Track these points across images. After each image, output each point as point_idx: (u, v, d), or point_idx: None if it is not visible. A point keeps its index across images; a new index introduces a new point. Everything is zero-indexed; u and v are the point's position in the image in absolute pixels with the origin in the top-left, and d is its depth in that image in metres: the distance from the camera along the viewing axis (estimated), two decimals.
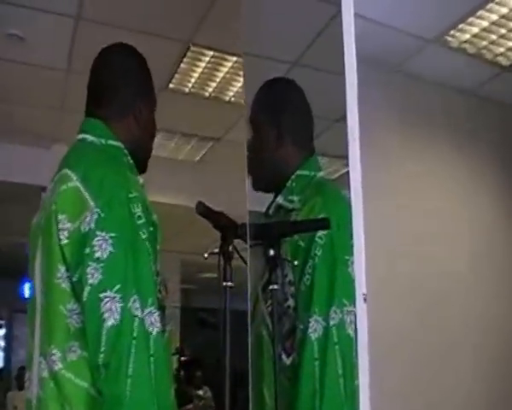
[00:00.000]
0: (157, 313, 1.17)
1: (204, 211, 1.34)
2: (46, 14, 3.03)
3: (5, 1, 2.93)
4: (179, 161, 4.86)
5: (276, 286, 1.28)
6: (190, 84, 3.72)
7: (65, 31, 3.14)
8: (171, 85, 3.69)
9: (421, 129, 2.91)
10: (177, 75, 3.59)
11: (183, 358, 5.34)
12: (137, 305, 1.14)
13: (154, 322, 1.16)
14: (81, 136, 1.35)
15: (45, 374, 1.19)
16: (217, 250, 1.31)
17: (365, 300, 0.98)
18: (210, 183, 4.53)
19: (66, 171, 1.25)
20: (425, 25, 2.84)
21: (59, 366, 1.17)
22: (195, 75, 3.61)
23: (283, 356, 1.36)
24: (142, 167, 1.42)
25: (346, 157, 1.18)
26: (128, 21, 3.04)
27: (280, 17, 2.69)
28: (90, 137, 1.34)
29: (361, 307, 0.99)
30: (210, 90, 3.78)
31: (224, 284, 1.29)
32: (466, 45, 2.79)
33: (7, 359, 8.85)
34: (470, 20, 2.64)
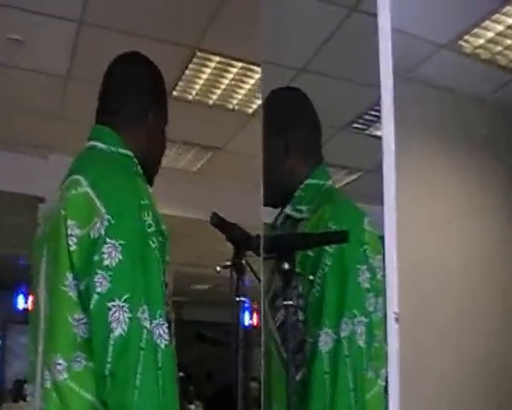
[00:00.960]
0: (165, 325, 1.15)
1: (218, 222, 1.31)
2: (48, 18, 2.99)
3: (5, 4, 2.86)
4: (177, 171, 4.80)
5: (290, 302, 1.23)
6: (194, 92, 3.68)
7: (67, 35, 3.09)
8: (174, 93, 3.64)
9: (433, 136, 2.84)
10: (181, 82, 3.54)
11: (181, 373, 5.25)
12: (146, 315, 1.12)
13: (162, 334, 1.14)
14: (91, 143, 1.33)
15: (48, 384, 1.16)
16: (229, 263, 1.28)
17: (397, 320, 0.94)
18: (207, 194, 4.47)
19: (76, 177, 1.23)
20: (438, 30, 2.79)
21: (64, 375, 1.14)
22: (200, 82, 3.56)
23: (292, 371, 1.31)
24: (148, 181, 1.40)
25: (380, 170, 1.17)
26: (132, 26, 2.99)
27: (293, 24, 2.64)
28: (99, 145, 1.32)
29: (392, 327, 0.95)
30: (214, 97, 3.73)
31: (237, 298, 1.26)
32: (480, 51, 2.74)
33: (0, 370, 8.73)
34: (485, 24, 2.59)
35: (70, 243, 1.15)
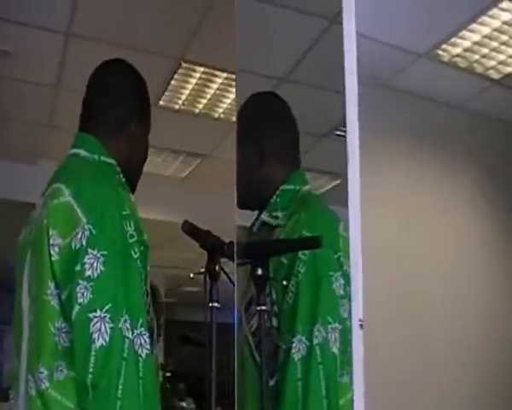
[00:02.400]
0: (147, 335, 1.16)
1: (190, 229, 1.32)
2: (36, 30, 3.02)
3: None
4: (166, 177, 4.86)
5: (264, 307, 1.24)
6: (180, 102, 3.73)
7: (55, 47, 3.12)
8: (161, 102, 3.69)
9: (410, 146, 2.89)
10: (167, 92, 3.59)
11: (168, 373, 5.24)
12: (128, 326, 1.13)
13: (143, 344, 1.15)
14: (74, 151, 1.34)
15: (33, 392, 1.17)
16: (203, 270, 1.29)
17: (362, 326, 0.94)
18: (196, 199, 4.53)
19: (59, 185, 1.23)
20: (416, 39, 2.85)
21: (46, 384, 1.15)
22: (186, 92, 3.61)
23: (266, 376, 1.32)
24: (131, 188, 1.40)
25: (345, 174, 1.15)
26: (119, 38, 3.04)
27: (270, 33, 2.69)
28: (82, 153, 1.32)
29: (357, 335, 0.95)
30: (200, 106, 3.79)
31: (211, 304, 1.27)
32: (457, 59, 2.81)
33: None
34: (462, 33, 2.67)
35: (52, 252, 1.16)
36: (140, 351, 1.14)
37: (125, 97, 1.40)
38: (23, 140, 4.17)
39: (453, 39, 2.68)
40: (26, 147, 4.25)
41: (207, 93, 3.61)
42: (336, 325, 1.29)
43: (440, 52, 2.76)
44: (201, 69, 3.34)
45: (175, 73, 3.37)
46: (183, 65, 3.29)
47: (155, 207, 4.61)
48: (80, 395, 1.12)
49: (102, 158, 1.32)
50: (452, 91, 2.89)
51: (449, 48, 2.75)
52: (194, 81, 3.47)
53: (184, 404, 7.12)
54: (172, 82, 3.47)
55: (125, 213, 1.20)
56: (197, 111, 3.83)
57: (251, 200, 1.51)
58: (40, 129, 4.07)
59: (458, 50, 2.74)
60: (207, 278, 1.32)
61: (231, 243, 1.31)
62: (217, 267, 1.29)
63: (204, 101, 3.71)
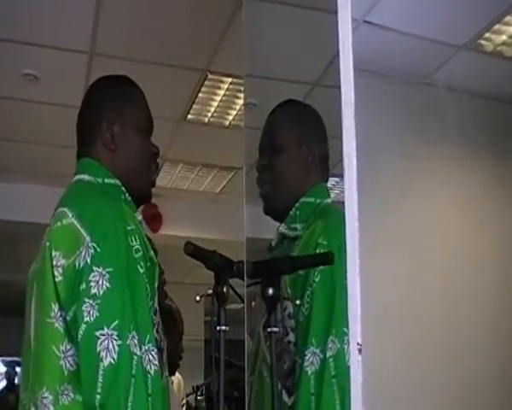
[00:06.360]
0: (155, 351, 1.14)
1: (194, 251, 1.25)
2: (60, 52, 3.02)
3: (21, 41, 2.92)
4: (199, 193, 4.81)
5: (275, 329, 1.20)
6: (209, 114, 3.67)
7: (80, 67, 3.11)
8: (189, 116, 3.65)
9: (456, 146, 2.72)
10: (195, 106, 3.55)
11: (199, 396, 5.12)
12: (136, 341, 1.11)
13: (151, 360, 1.13)
14: (77, 177, 1.33)
15: None
16: (210, 291, 1.25)
17: (360, 351, 0.88)
18: (230, 214, 4.46)
19: (62, 209, 1.23)
20: (455, 30, 2.70)
21: (51, 409, 1.12)
22: (214, 104, 3.56)
23: (285, 396, 1.30)
24: (141, 198, 1.38)
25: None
26: (142, 53, 3.01)
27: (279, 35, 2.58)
28: (86, 177, 1.32)
29: (356, 360, 0.88)
30: (230, 118, 3.72)
31: (218, 328, 1.22)
32: (503, 48, 2.66)
33: None
34: (506, 19, 2.52)
35: (56, 273, 1.15)
36: (148, 367, 1.11)
37: (96, 106, 1.38)
38: (53, 163, 4.18)
39: (496, 26, 2.52)
40: (56, 170, 4.26)
41: (236, 104, 3.54)
42: None
43: (483, 42, 2.61)
44: (229, 80, 3.26)
45: (202, 85, 3.32)
46: (210, 76, 3.23)
47: (190, 224, 4.59)
48: None
49: (106, 180, 1.32)
50: (499, 82, 2.72)
51: (492, 36, 2.60)
52: (221, 92, 3.42)
53: None
54: (200, 95, 3.42)
55: (129, 228, 1.18)
56: (227, 123, 3.76)
57: (283, 208, 1.47)
58: (71, 151, 4.07)
59: (503, 38, 2.58)
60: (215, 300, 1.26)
61: (240, 262, 1.26)
62: (224, 289, 1.23)
63: (233, 112, 3.63)
